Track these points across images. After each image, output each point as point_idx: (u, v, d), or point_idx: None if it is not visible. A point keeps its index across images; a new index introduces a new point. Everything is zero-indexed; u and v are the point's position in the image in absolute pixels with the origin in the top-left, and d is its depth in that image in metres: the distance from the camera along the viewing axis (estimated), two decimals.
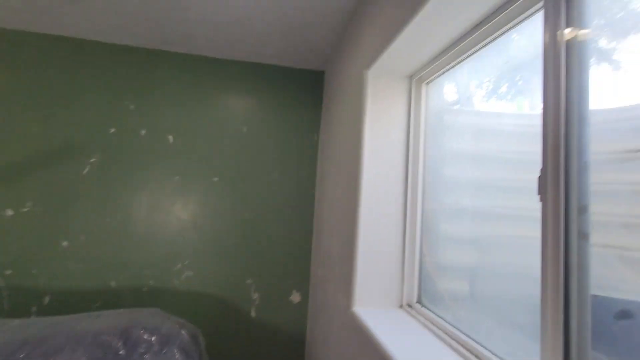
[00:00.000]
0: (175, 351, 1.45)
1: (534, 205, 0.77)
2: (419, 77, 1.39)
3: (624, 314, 0.59)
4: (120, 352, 1.37)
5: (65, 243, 2.02)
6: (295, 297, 2.29)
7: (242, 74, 2.31)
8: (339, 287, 1.56)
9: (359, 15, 1.57)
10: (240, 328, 2.20)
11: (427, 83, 1.40)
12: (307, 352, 2.24)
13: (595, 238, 0.66)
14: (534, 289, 0.82)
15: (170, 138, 2.22)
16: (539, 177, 0.75)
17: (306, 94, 2.38)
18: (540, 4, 0.79)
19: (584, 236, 0.65)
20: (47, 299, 1.98)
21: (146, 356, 1.38)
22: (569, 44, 0.72)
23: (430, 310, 1.23)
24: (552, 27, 0.74)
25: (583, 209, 0.67)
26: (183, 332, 1.61)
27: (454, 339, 1.02)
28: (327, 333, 1.72)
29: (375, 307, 1.32)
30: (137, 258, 2.11)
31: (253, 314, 2.23)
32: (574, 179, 0.69)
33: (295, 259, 2.30)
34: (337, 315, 1.55)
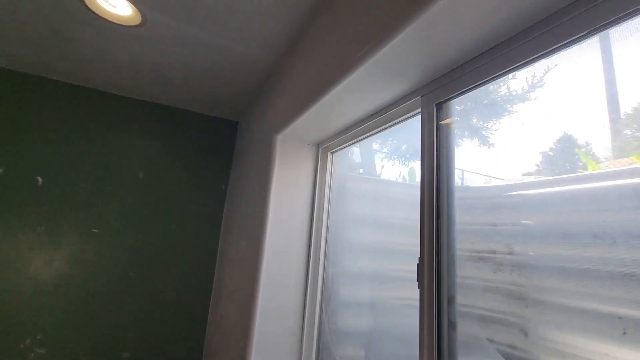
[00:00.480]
0: None
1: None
2: (326, 146, 1.48)
3: None
4: None
5: None
6: None
7: (146, 115, 2.12)
8: (234, 356, 1.38)
9: (275, 80, 1.65)
10: None
11: (333, 152, 1.50)
12: None
13: (460, 327, 0.72)
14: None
15: (39, 179, 1.83)
16: (418, 265, 0.82)
17: (218, 142, 2.30)
18: (419, 109, 0.94)
19: (452, 325, 0.72)
20: None
21: None
22: (440, 134, 0.86)
23: None
24: (427, 124, 0.88)
25: (451, 300, 0.74)
26: None
27: None
28: None
29: None
30: None
31: None
32: (444, 270, 0.77)
33: (188, 325, 2.00)
34: None
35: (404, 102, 0.99)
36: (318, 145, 1.53)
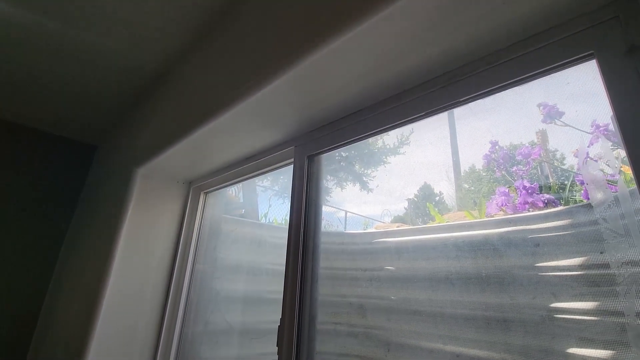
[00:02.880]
0: None
1: None
2: (199, 185, 1.33)
3: None
4: None
5: None
6: None
7: None
8: None
9: (144, 105, 1.43)
10: None
11: (207, 192, 1.35)
12: None
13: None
14: None
15: None
16: (279, 326, 0.77)
17: (66, 169, 1.83)
18: (292, 159, 0.95)
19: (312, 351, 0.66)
20: None
21: None
22: (310, 186, 0.86)
23: None
24: (298, 174, 0.88)
25: (312, 351, 0.69)
26: None
27: None
28: None
29: None
30: None
31: None
32: (306, 319, 0.74)
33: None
34: None
35: (278, 150, 0.98)
36: (190, 183, 1.36)
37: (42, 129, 1.80)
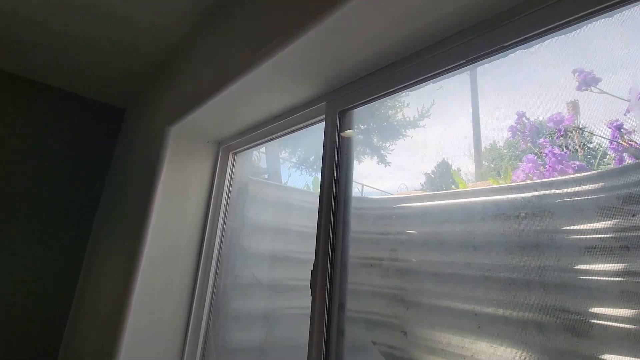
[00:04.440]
0: None
1: None
2: (228, 145, 1.38)
3: None
4: None
5: None
6: None
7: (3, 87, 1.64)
8: None
9: (173, 66, 1.47)
10: None
11: (235, 153, 1.41)
12: None
13: (348, 333, 0.74)
14: None
15: None
16: (312, 271, 0.81)
17: (97, 130, 1.92)
18: (323, 115, 0.95)
19: (341, 332, 0.72)
20: None
21: None
22: (342, 142, 0.89)
23: None
24: (330, 130, 0.89)
25: (341, 306, 0.75)
26: None
27: None
28: None
29: None
30: None
31: None
32: (337, 277, 0.77)
33: (37, 350, 1.55)
34: None
35: (309, 106, 0.98)
36: (219, 143, 1.41)
37: (73, 91, 1.87)
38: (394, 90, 0.77)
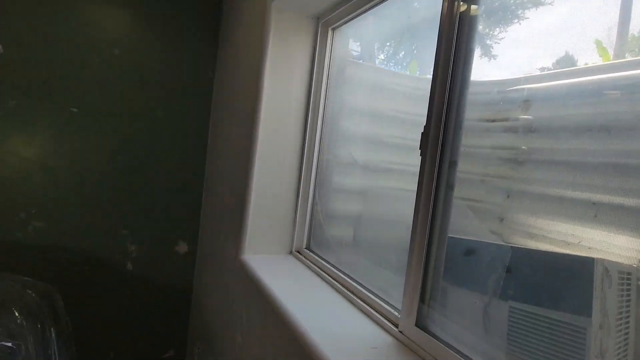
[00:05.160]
0: (17, 314, 1.18)
1: (415, 162, 0.84)
2: (326, 20, 1.32)
3: (470, 251, 0.71)
4: None
5: None
6: (182, 248, 2.14)
7: None
8: (229, 235, 1.50)
9: None
10: (113, 283, 1.96)
11: (334, 29, 1.35)
12: (193, 302, 2.17)
13: (457, 191, 0.76)
14: (405, 234, 0.92)
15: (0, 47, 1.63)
16: (422, 133, 0.81)
17: (203, 21, 2.03)
18: None
19: (450, 187, 0.75)
20: None
21: None
22: (462, 17, 0.76)
23: (317, 255, 1.30)
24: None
25: (453, 164, 0.75)
26: (28, 292, 1.32)
27: (335, 280, 1.10)
28: (215, 283, 1.68)
29: (265, 254, 1.33)
30: None
31: (130, 267, 2.00)
32: (450, 137, 0.77)
33: (183, 207, 2.11)
34: (226, 263, 1.51)
35: None
36: (318, 18, 1.36)
37: None
38: None
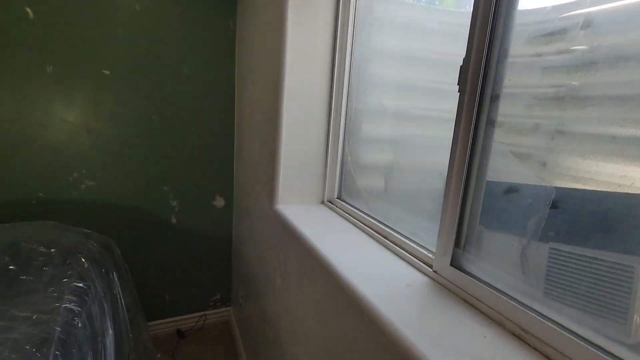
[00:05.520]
0: (83, 260, 1.34)
1: (451, 107, 0.79)
2: None
3: (512, 189, 0.68)
4: (11, 268, 1.21)
5: None
6: (219, 202, 2.26)
7: None
8: (262, 187, 1.55)
9: None
10: (161, 235, 2.13)
11: None
12: (233, 251, 2.33)
13: (497, 133, 0.71)
14: (438, 182, 0.90)
15: (29, 11, 1.66)
16: (461, 67, 0.75)
17: None
18: None
19: (491, 123, 0.70)
20: None
21: (46, 268, 1.25)
22: None
23: (348, 204, 1.31)
24: None
25: (495, 99, 0.70)
26: (91, 242, 1.47)
27: (367, 225, 1.12)
28: (252, 232, 1.78)
29: (297, 204, 1.37)
30: (14, 168, 1.75)
31: (174, 220, 2.16)
32: (492, 72, 0.70)
33: (217, 163, 2.19)
34: (262, 214, 1.58)
35: None
36: None
37: None
38: None
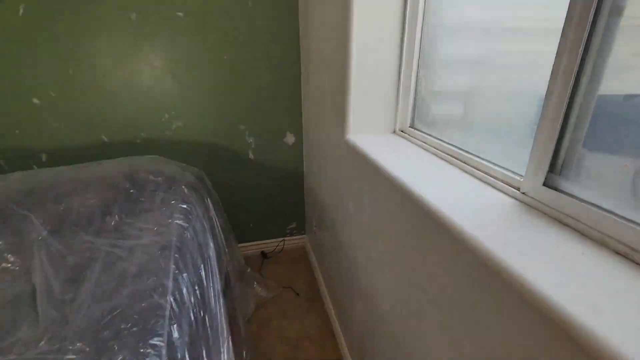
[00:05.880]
0: (184, 187, 1.56)
1: (554, 15, 0.65)
2: None
3: (633, 96, 0.58)
4: (131, 191, 1.48)
5: (35, 100, 1.88)
6: (290, 139, 2.36)
7: None
8: (332, 120, 1.56)
9: None
10: (241, 169, 2.35)
11: None
12: (306, 182, 2.48)
13: (620, 29, 0.57)
14: (530, 108, 0.79)
15: None
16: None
17: None
18: None
19: (617, 11, 0.57)
20: (43, 157, 1.99)
21: (157, 193, 1.50)
22: None
23: (423, 132, 1.26)
24: None
25: None
26: (187, 172, 1.69)
27: (442, 151, 1.07)
28: (323, 163, 1.85)
29: (368, 134, 1.36)
30: (119, 111, 2.02)
31: (251, 156, 2.34)
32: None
33: (285, 102, 2.23)
34: (332, 145, 1.61)
35: None
36: None
37: None
38: None
